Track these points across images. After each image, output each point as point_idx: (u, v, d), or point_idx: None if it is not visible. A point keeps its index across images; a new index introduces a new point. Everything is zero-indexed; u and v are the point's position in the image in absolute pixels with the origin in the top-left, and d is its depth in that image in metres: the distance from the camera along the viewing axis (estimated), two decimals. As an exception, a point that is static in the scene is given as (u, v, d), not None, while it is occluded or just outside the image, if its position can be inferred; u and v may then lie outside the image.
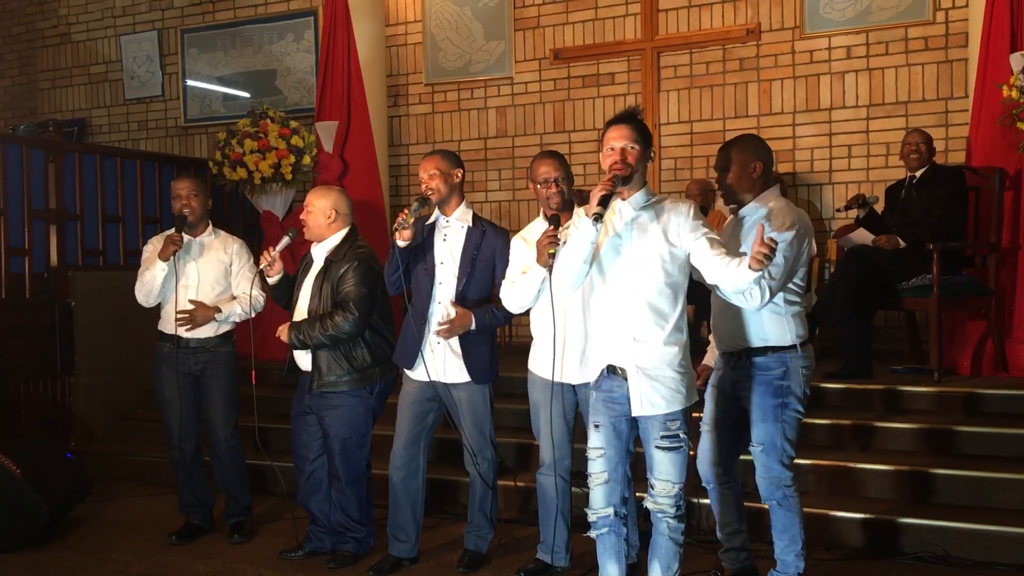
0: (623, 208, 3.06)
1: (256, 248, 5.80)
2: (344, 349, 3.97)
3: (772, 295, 3.14)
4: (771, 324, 3.31)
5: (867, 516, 4.09)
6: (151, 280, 4.36)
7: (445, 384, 3.89)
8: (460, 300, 3.82)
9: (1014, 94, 5.11)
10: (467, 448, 3.95)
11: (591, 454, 3.14)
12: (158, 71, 8.67)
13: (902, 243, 5.14)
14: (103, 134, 8.96)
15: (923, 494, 4.22)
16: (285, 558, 4.23)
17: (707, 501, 4.26)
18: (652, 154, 3.15)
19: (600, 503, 3.13)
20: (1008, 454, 4.35)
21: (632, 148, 3.03)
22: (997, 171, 5.29)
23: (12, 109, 9.50)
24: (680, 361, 3.05)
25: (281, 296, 4.22)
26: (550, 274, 3.25)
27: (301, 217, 4.16)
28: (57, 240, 6.20)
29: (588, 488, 3.20)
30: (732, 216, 3.52)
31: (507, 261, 3.76)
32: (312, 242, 4.16)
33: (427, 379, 3.87)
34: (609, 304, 3.07)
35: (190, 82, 8.53)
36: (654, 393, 3.02)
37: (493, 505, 4.07)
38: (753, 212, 3.37)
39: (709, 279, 3.07)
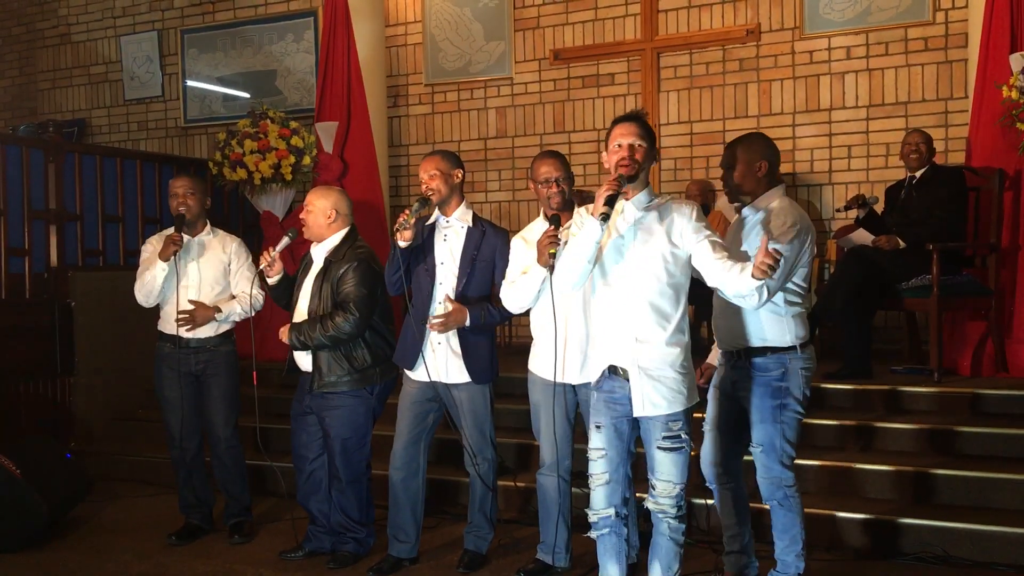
0: (626, 208, 3.06)
1: (256, 248, 5.81)
2: (345, 349, 3.97)
3: (771, 295, 3.14)
4: (770, 324, 3.31)
5: (867, 516, 4.09)
6: (151, 280, 4.36)
7: (445, 384, 3.89)
8: (460, 300, 3.82)
9: (1014, 94, 5.11)
10: (467, 448, 3.95)
11: (592, 455, 3.13)
12: (158, 71, 8.67)
13: (902, 243, 5.14)
14: (103, 134, 8.96)
15: (923, 494, 4.22)
16: (285, 558, 4.23)
17: (708, 502, 4.27)
18: (657, 154, 3.15)
19: (601, 504, 3.13)
20: (1008, 454, 4.35)
21: (640, 146, 3.03)
22: (997, 171, 5.29)
23: (12, 109, 9.50)
24: (682, 362, 3.06)
25: (281, 296, 4.22)
26: (550, 274, 3.25)
27: (301, 217, 4.16)
28: (57, 240, 6.21)
29: (588, 488, 3.20)
30: (737, 215, 3.52)
31: (507, 261, 3.76)
32: (312, 242, 4.16)
33: (428, 379, 3.87)
34: (611, 304, 3.07)
35: (190, 82, 8.53)
36: (655, 394, 3.02)
37: (493, 505, 4.07)
38: (756, 211, 3.37)
39: (710, 282, 3.07)
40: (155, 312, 4.53)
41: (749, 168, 3.37)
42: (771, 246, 2.82)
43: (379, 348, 4.05)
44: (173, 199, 4.42)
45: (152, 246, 4.51)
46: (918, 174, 5.37)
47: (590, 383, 3.28)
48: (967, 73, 5.95)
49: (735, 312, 3.31)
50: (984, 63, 5.46)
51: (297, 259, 4.61)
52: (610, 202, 2.91)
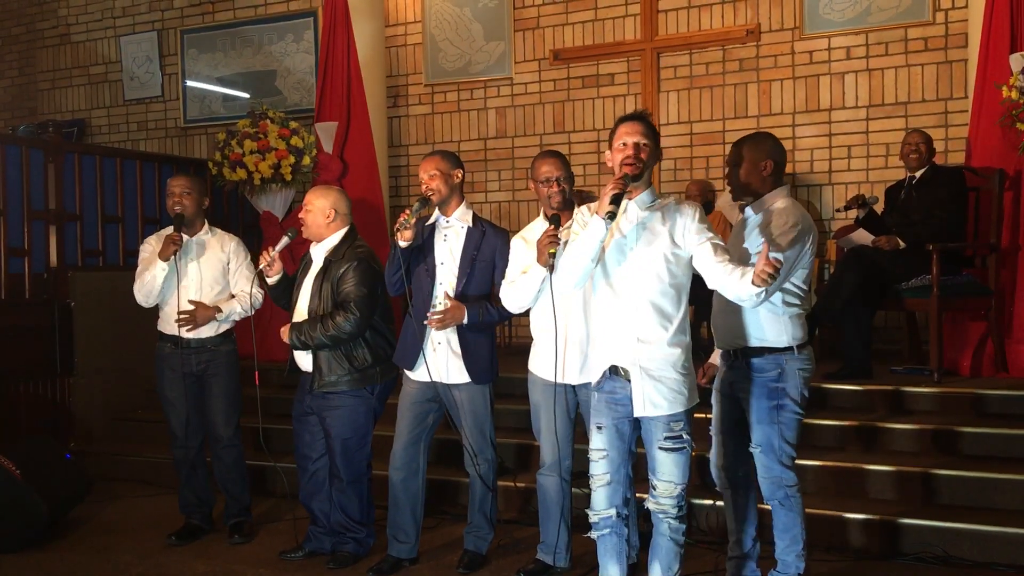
0: (629, 208, 3.06)
1: (256, 248, 5.80)
2: (345, 349, 3.97)
3: (769, 292, 3.14)
4: (768, 324, 3.30)
5: (868, 516, 4.09)
6: (151, 280, 4.36)
7: (446, 384, 3.89)
8: (460, 300, 3.82)
9: (1014, 95, 5.11)
10: (467, 449, 3.95)
11: (593, 456, 3.13)
12: (158, 72, 8.67)
13: (902, 244, 5.14)
14: (103, 135, 8.96)
15: (924, 495, 4.21)
16: (285, 558, 4.23)
17: (708, 502, 4.28)
18: (660, 154, 3.16)
19: (602, 504, 3.13)
20: (1009, 455, 4.35)
21: (645, 145, 3.04)
22: (997, 172, 5.29)
23: (12, 109, 9.50)
24: (683, 362, 3.06)
25: (280, 296, 4.22)
26: (550, 274, 3.25)
27: (300, 216, 4.16)
28: (57, 240, 6.20)
29: (588, 489, 3.19)
30: (739, 215, 3.52)
31: (507, 261, 3.76)
32: (311, 242, 4.16)
33: (428, 379, 3.87)
34: (612, 304, 3.07)
35: (190, 83, 8.53)
36: (657, 394, 3.01)
37: (493, 506, 4.07)
38: (759, 211, 3.37)
39: (710, 284, 3.07)
40: (155, 312, 4.53)
41: (754, 167, 3.37)
42: (771, 255, 2.83)
43: (380, 348, 4.05)
44: (170, 198, 4.42)
45: (151, 246, 4.51)
46: (918, 174, 5.37)
47: (590, 383, 3.28)
48: (967, 73, 5.95)
49: (733, 311, 3.31)
50: (984, 63, 5.46)
51: (296, 259, 4.61)
52: (616, 201, 2.91)
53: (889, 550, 4.01)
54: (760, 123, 6.58)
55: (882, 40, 6.34)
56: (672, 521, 3.09)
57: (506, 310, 3.66)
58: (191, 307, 4.39)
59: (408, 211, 3.69)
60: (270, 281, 4.16)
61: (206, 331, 4.45)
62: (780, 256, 2.97)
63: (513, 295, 3.57)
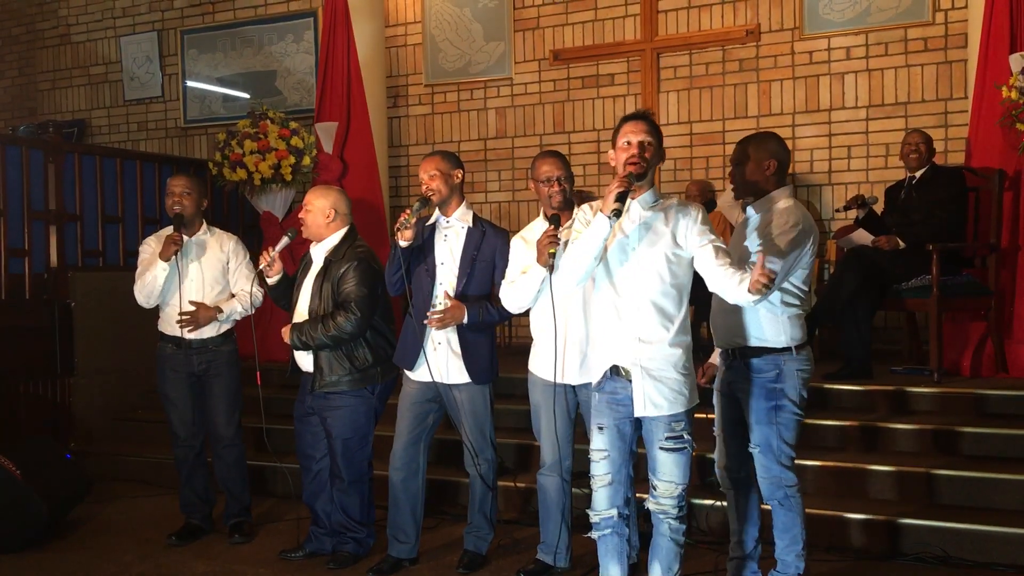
0: (631, 207, 3.05)
1: (256, 249, 5.80)
2: (346, 349, 3.97)
3: (767, 294, 3.13)
4: (766, 324, 3.30)
5: (868, 517, 4.09)
6: (152, 281, 4.35)
7: (446, 384, 3.89)
8: (460, 300, 3.82)
9: (1013, 95, 5.11)
10: (468, 448, 3.95)
11: (594, 456, 3.13)
12: (158, 72, 8.67)
13: (901, 244, 5.14)
14: (103, 135, 8.96)
15: (924, 495, 4.21)
16: (285, 558, 4.23)
17: (708, 502, 4.28)
18: (664, 154, 3.15)
19: (603, 505, 3.13)
20: (1009, 455, 4.35)
21: (649, 144, 3.04)
22: (997, 172, 5.29)
23: (12, 110, 9.49)
24: (684, 362, 3.06)
25: (280, 296, 4.22)
26: (550, 274, 3.25)
27: (300, 216, 4.16)
28: (57, 241, 6.20)
29: (588, 489, 3.19)
30: (742, 214, 3.52)
31: (507, 261, 3.76)
32: (311, 242, 4.16)
33: (429, 379, 3.87)
34: (614, 304, 3.07)
35: (190, 83, 8.53)
36: (657, 394, 3.01)
37: (493, 506, 4.07)
38: (761, 210, 3.37)
39: (711, 287, 3.07)
40: (155, 312, 4.53)
41: (758, 166, 3.37)
42: (767, 265, 2.83)
43: (380, 348, 4.05)
44: (169, 198, 4.42)
45: (151, 247, 4.51)
46: (918, 174, 5.37)
47: (590, 383, 3.28)
48: (967, 73, 5.95)
49: (733, 311, 3.31)
50: (984, 63, 5.46)
51: (296, 259, 4.61)
52: (621, 199, 2.90)
53: (889, 550, 4.01)
54: (760, 123, 6.58)
55: (882, 40, 6.35)
56: (672, 521, 3.09)
57: (506, 310, 3.67)
58: (192, 308, 4.39)
59: (408, 211, 3.69)
60: (270, 281, 4.16)
61: (207, 331, 4.45)
62: (775, 267, 2.98)
63: (513, 295, 3.58)
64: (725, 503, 3.71)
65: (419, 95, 7.72)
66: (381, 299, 4.05)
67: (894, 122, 6.30)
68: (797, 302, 3.33)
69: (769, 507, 3.42)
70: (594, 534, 3.18)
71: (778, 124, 6.50)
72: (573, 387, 3.72)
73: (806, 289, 3.37)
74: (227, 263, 4.53)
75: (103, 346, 6.17)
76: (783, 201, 3.35)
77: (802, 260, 3.28)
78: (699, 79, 6.85)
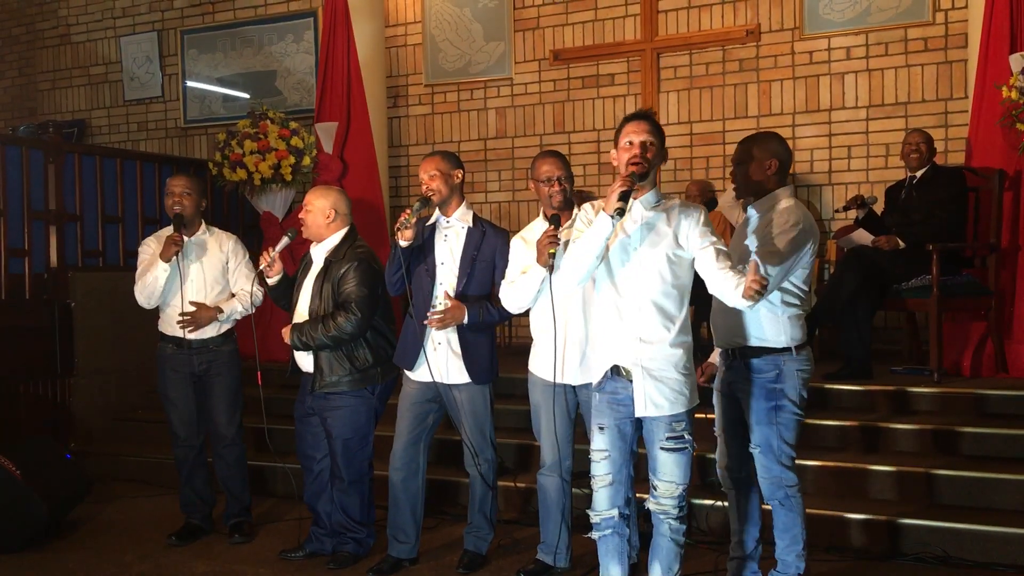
0: (634, 207, 3.05)
1: (256, 249, 5.80)
2: (346, 350, 3.97)
3: (767, 291, 3.13)
4: (767, 324, 3.30)
5: (869, 517, 4.09)
6: (153, 282, 4.35)
7: (446, 384, 3.89)
8: (460, 300, 3.82)
9: (1013, 95, 5.11)
10: (468, 447, 3.95)
11: (595, 456, 3.12)
12: (158, 72, 8.67)
13: (901, 244, 5.14)
14: (103, 135, 8.96)
15: (924, 495, 4.21)
16: (285, 558, 4.23)
17: (709, 502, 4.28)
18: (666, 154, 3.15)
19: (604, 505, 3.12)
20: (1009, 455, 4.35)
21: (651, 144, 3.03)
22: (997, 172, 5.29)
23: (12, 110, 9.49)
24: (685, 363, 3.06)
25: (280, 297, 4.22)
26: (550, 274, 3.25)
27: (300, 216, 4.16)
28: (57, 241, 6.20)
29: (588, 489, 3.19)
30: (743, 214, 3.52)
31: (507, 261, 3.76)
32: (311, 242, 4.16)
33: (429, 379, 3.87)
34: (615, 304, 3.06)
35: (190, 83, 8.53)
36: (658, 394, 3.01)
37: (493, 506, 4.07)
38: (762, 209, 3.37)
39: (711, 290, 3.07)
40: (155, 312, 4.53)
41: (759, 165, 3.37)
42: (760, 271, 2.84)
43: (380, 348, 4.05)
44: (169, 198, 4.42)
45: (151, 248, 4.50)
46: (918, 174, 5.36)
47: (590, 384, 3.28)
48: (967, 73, 5.95)
49: (733, 311, 3.30)
50: (984, 63, 5.46)
51: (297, 259, 4.61)
52: (624, 198, 2.90)
53: (889, 550, 4.01)
54: (760, 123, 6.58)
55: (882, 40, 6.34)
56: (673, 522, 3.08)
57: (506, 310, 3.67)
58: (192, 308, 4.39)
59: (409, 211, 3.69)
60: (270, 282, 4.16)
61: (208, 331, 4.45)
62: (770, 272, 2.98)
63: (513, 295, 3.58)
64: (725, 503, 3.71)
65: (419, 95, 7.72)
66: (381, 299, 4.05)
67: (894, 122, 6.30)
68: (797, 302, 3.33)
69: (770, 507, 3.42)
70: (594, 534, 3.17)
71: (778, 124, 6.50)
72: (573, 387, 3.72)
73: (806, 289, 3.36)
74: (227, 263, 4.53)
75: (103, 346, 6.17)
76: (784, 201, 3.35)
77: (802, 260, 3.27)
78: (699, 79, 6.85)
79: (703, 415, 3.34)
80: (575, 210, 3.69)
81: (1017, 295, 5.24)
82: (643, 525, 3.66)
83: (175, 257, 4.30)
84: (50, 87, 9.24)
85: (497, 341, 4.14)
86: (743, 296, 2.86)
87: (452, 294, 3.82)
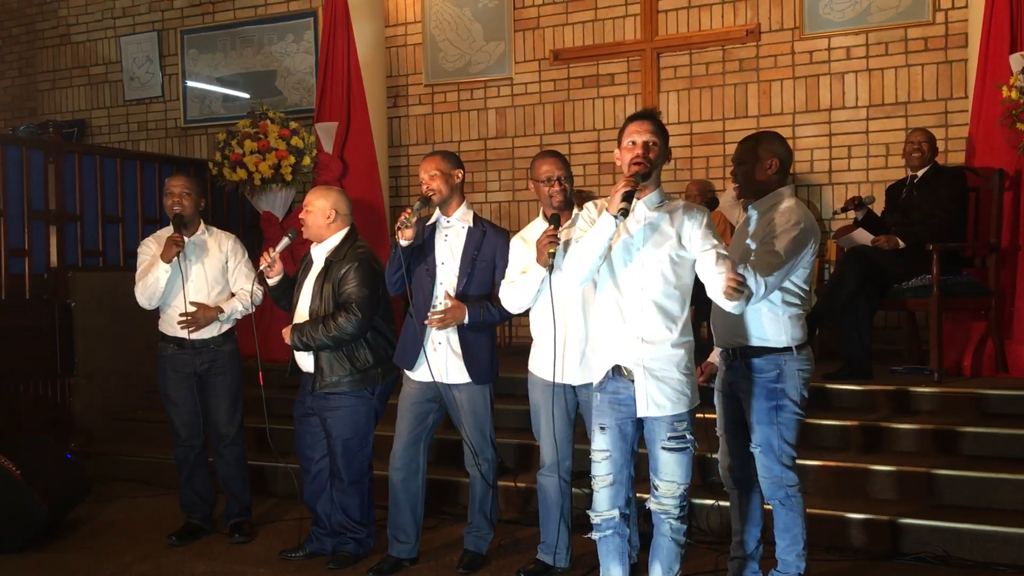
0: (637, 207, 3.04)
1: (256, 249, 5.80)
2: (347, 350, 3.97)
3: (768, 289, 3.14)
4: (767, 324, 3.30)
5: (869, 516, 4.09)
6: (154, 283, 4.34)
7: (446, 384, 3.89)
8: (460, 300, 3.82)
9: (1014, 95, 5.11)
10: (468, 446, 3.95)
11: (596, 456, 3.12)
12: (158, 72, 8.67)
13: (901, 243, 5.14)
14: (103, 135, 8.96)
15: (925, 495, 4.21)
16: (285, 558, 4.23)
17: (709, 502, 4.28)
18: (670, 154, 3.14)
19: (605, 505, 3.11)
20: (1009, 454, 4.34)
21: (654, 144, 3.02)
22: (997, 171, 5.29)
23: (12, 110, 9.49)
24: (686, 363, 3.06)
25: (281, 297, 4.22)
26: (550, 274, 3.25)
27: (300, 217, 4.15)
28: (57, 241, 6.20)
29: (588, 489, 3.19)
30: (743, 214, 3.52)
31: (507, 261, 3.76)
32: (312, 242, 4.15)
33: (429, 379, 3.87)
34: (617, 304, 3.06)
35: (190, 83, 8.53)
36: (660, 394, 3.01)
37: (493, 506, 4.07)
38: (762, 209, 3.37)
39: (708, 293, 3.07)
40: (155, 312, 4.53)
41: (760, 165, 3.37)
42: (738, 268, 2.84)
43: (381, 348, 4.05)
44: (169, 198, 4.42)
45: (150, 248, 4.50)
46: (919, 173, 5.36)
47: (590, 384, 3.28)
48: (967, 73, 5.95)
49: (733, 310, 3.31)
50: (984, 63, 5.46)
51: (297, 259, 4.61)
52: (627, 199, 2.89)
53: (890, 550, 4.01)
54: (760, 123, 6.58)
55: (882, 40, 6.34)
56: (674, 521, 3.08)
57: (507, 310, 3.66)
58: (193, 308, 4.39)
59: (409, 210, 3.69)
60: (271, 282, 4.16)
61: (208, 331, 4.45)
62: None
63: (512, 295, 3.58)
64: (726, 503, 3.71)
65: (419, 95, 7.72)
66: (382, 300, 4.05)
67: (894, 122, 6.30)
68: (798, 301, 3.33)
69: (771, 507, 3.42)
70: (595, 535, 3.16)
71: (778, 124, 6.50)
72: (573, 387, 3.71)
73: (807, 288, 3.36)
74: (226, 263, 4.53)
75: (103, 346, 6.17)
76: (785, 200, 3.35)
77: (804, 259, 3.28)
78: (699, 79, 6.84)
79: (702, 415, 3.34)
80: (575, 210, 3.70)
81: (1017, 295, 5.24)
82: (643, 525, 3.66)
83: (176, 257, 4.30)
84: (50, 87, 9.23)
85: (497, 341, 4.14)
86: (724, 295, 2.85)
87: (452, 294, 3.82)
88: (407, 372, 3.97)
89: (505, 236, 3.91)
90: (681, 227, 3.03)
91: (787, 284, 3.27)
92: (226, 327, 4.51)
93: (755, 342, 3.32)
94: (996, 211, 5.27)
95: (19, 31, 9.41)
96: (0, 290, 5.87)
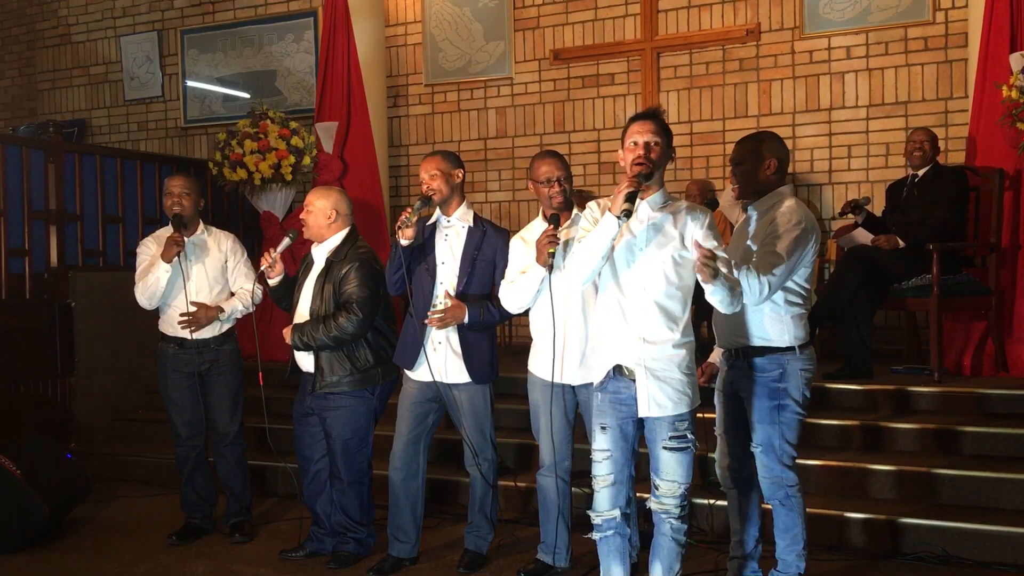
0: (640, 208, 3.03)
1: (256, 249, 5.81)
2: (347, 350, 3.97)
3: (771, 290, 3.14)
4: (770, 324, 3.30)
5: (869, 516, 4.09)
6: (155, 283, 4.34)
7: (446, 384, 3.89)
8: (460, 299, 3.82)
9: (1014, 94, 5.11)
10: (468, 446, 3.95)
11: (596, 456, 3.11)
12: (158, 72, 8.67)
13: (901, 243, 5.14)
14: (103, 135, 8.96)
15: (925, 494, 4.21)
16: (285, 558, 4.23)
17: (709, 502, 4.28)
18: (673, 153, 3.13)
19: (605, 505, 3.11)
20: (1009, 454, 4.35)
21: (656, 144, 3.01)
22: (997, 171, 5.29)
23: (12, 110, 9.50)
24: (688, 363, 3.06)
25: (282, 298, 4.22)
26: (549, 274, 3.24)
27: (301, 217, 4.15)
28: (57, 241, 6.20)
29: (588, 489, 3.18)
30: (743, 214, 3.52)
31: (508, 261, 3.76)
32: (312, 242, 4.16)
33: (429, 379, 3.87)
34: (619, 304, 3.05)
35: (190, 83, 8.53)
36: (662, 395, 3.01)
37: (493, 505, 4.07)
38: (761, 209, 3.37)
39: (707, 295, 3.06)
40: (155, 312, 4.53)
41: (758, 166, 3.38)
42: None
43: (381, 348, 4.05)
44: (168, 198, 4.42)
45: (150, 249, 4.50)
46: (920, 173, 5.35)
47: (590, 384, 3.27)
48: (967, 73, 5.95)
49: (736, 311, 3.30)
50: (984, 63, 5.46)
51: (297, 259, 4.61)
52: (630, 199, 2.89)
53: (890, 550, 4.01)
54: (760, 123, 6.57)
55: (882, 40, 6.34)
56: (674, 521, 3.08)
57: (507, 310, 3.66)
58: (193, 309, 4.39)
59: (410, 210, 3.69)
60: (271, 283, 4.16)
61: (209, 331, 4.45)
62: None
63: (512, 295, 3.57)
64: (725, 503, 3.71)
65: (419, 95, 7.72)
66: (383, 300, 4.05)
67: (894, 121, 6.30)
68: (800, 301, 3.33)
69: (770, 506, 3.42)
70: (596, 535, 3.15)
71: (778, 124, 6.50)
72: (572, 387, 3.71)
73: (809, 288, 3.37)
74: (225, 262, 4.53)
75: (103, 346, 6.17)
76: (785, 200, 3.36)
77: (805, 258, 3.28)
78: (699, 78, 6.84)
79: (703, 415, 3.34)
80: (575, 210, 3.70)
81: (1017, 294, 5.24)
82: (644, 524, 3.66)
83: (176, 257, 4.30)
84: (50, 87, 9.24)
85: (497, 341, 4.14)
86: (696, 273, 2.85)
87: (453, 293, 3.82)
88: (407, 372, 3.97)
89: (505, 236, 3.90)
90: (684, 228, 3.03)
91: (789, 284, 3.27)
92: (226, 327, 4.51)
93: (757, 342, 3.32)
94: (996, 211, 5.28)
95: (19, 31, 9.41)
96: (0, 290, 5.87)
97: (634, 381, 3.03)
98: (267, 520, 4.83)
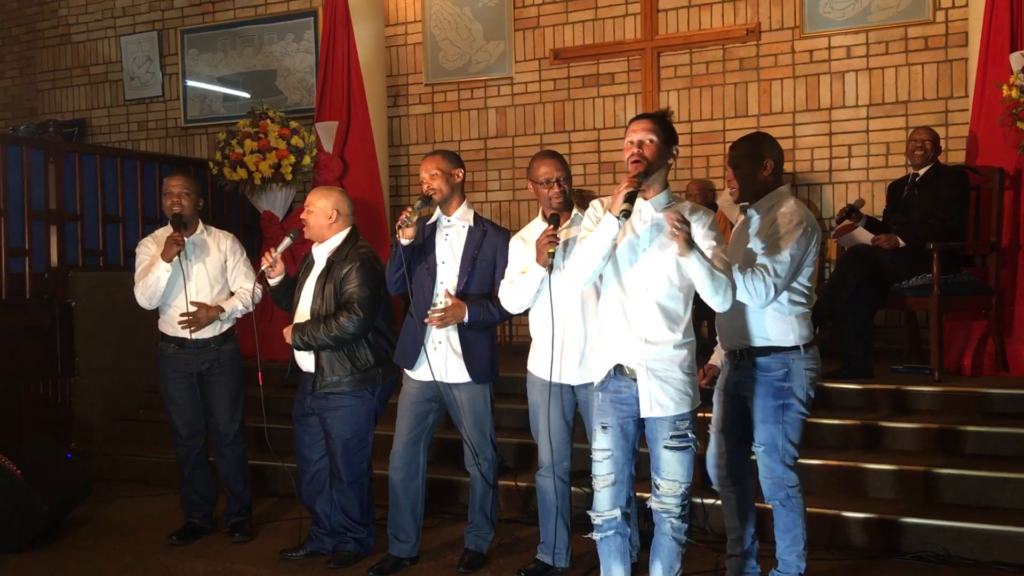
0: (643, 208, 3.04)
1: (256, 249, 5.80)
2: (347, 350, 3.97)
3: (777, 292, 3.14)
4: (774, 324, 3.30)
5: (870, 516, 4.09)
6: (155, 283, 4.34)
7: (446, 384, 3.89)
8: (460, 299, 3.81)
9: (1014, 93, 5.11)
10: (468, 445, 3.95)
11: (597, 456, 3.11)
12: (158, 72, 8.67)
13: (902, 242, 5.14)
14: (103, 135, 8.96)
15: (925, 494, 4.21)
16: (285, 557, 4.23)
17: (708, 501, 4.28)
18: (676, 152, 3.12)
19: (606, 505, 3.11)
20: (1009, 454, 4.35)
21: (650, 141, 3.00)
22: (997, 171, 5.28)
23: (12, 110, 9.50)
24: (689, 363, 3.06)
25: (283, 298, 4.22)
26: (549, 274, 3.24)
27: (302, 217, 4.16)
28: (57, 240, 6.20)
29: (588, 488, 3.18)
30: (741, 215, 3.52)
31: (508, 260, 3.76)
32: (313, 242, 4.15)
33: (429, 379, 3.87)
34: (620, 304, 3.05)
35: (190, 82, 8.53)
36: (663, 395, 3.01)
37: (493, 505, 4.07)
38: (760, 210, 3.37)
39: (702, 296, 3.06)
40: (155, 312, 4.53)
41: (756, 167, 3.37)
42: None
43: (381, 348, 4.05)
44: (168, 198, 4.42)
45: (149, 249, 4.50)
46: (921, 172, 5.35)
47: (590, 383, 3.27)
48: (967, 72, 5.94)
49: (739, 311, 3.30)
50: (984, 62, 5.46)
51: (298, 259, 4.61)
52: (630, 199, 2.89)
53: (890, 549, 4.01)
54: (760, 122, 6.57)
55: (882, 39, 6.34)
56: (675, 521, 3.07)
57: (507, 309, 3.66)
58: (193, 309, 4.38)
59: (410, 209, 3.69)
60: (272, 283, 4.16)
61: (209, 331, 4.45)
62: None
63: (512, 295, 3.57)
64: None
65: (419, 94, 7.72)
66: (383, 300, 4.05)
67: (895, 121, 6.30)
68: (804, 300, 3.33)
69: (766, 504, 3.42)
70: (595, 535, 3.15)
71: (778, 123, 6.50)
72: (572, 387, 3.71)
73: (810, 287, 3.37)
74: (225, 262, 4.53)
75: (103, 346, 6.16)
76: (785, 200, 3.36)
77: (807, 258, 3.28)
78: (699, 78, 6.84)
79: (703, 415, 3.34)
80: (574, 210, 3.70)
81: (1017, 294, 5.23)
82: (644, 524, 3.66)
83: (176, 257, 4.30)
84: (50, 87, 9.23)
85: (497, 341, 4.14)
86: (671, 240, 2.87)
87: (453, 293, 3.82)
88: (407, 371, 3.97)
89: (506, 235, 3.90)
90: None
91: (793, 283, 3.28)
92: (226, 327, 4.51)
93: (760, 342, 3.32)
94: (996, 210, 5.27)
95: (19, 31, 9.40)
96: (0, 290, 5.87)
97: (635, 381, 3.03)
98: (267, 520, 4.83)
